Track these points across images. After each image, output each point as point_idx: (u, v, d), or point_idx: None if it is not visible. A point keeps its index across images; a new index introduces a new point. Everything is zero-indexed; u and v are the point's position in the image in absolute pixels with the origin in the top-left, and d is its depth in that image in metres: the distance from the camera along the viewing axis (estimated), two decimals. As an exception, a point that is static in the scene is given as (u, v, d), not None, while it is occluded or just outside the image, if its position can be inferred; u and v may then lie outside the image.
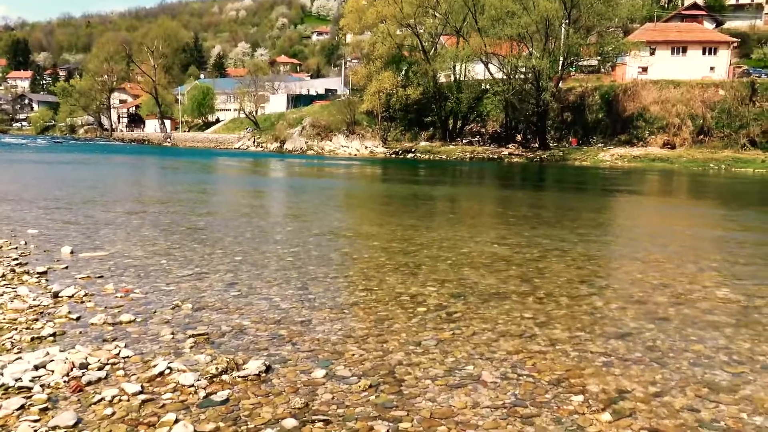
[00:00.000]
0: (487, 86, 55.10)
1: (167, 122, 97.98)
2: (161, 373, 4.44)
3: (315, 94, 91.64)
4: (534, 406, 4.09)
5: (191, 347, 5.01)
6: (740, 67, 57.45)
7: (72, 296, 6.35)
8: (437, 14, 60.04)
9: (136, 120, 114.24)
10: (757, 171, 39.88)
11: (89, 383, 4.28)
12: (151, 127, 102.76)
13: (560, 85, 53.43)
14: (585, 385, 4.43)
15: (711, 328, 5.79)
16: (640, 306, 6.54)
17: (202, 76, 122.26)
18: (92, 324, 5.50)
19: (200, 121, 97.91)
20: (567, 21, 49.89)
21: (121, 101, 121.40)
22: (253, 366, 4.56)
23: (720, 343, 5.39)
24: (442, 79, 60.35)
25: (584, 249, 9.97)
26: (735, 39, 59.10)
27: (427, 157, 53.67)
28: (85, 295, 6.42)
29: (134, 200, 16.48)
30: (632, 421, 3.90)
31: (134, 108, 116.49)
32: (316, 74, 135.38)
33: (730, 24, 72.03)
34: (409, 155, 55.52)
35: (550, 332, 5.58)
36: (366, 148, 59.72)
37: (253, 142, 70.51)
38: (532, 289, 7.12)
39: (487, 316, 6.02)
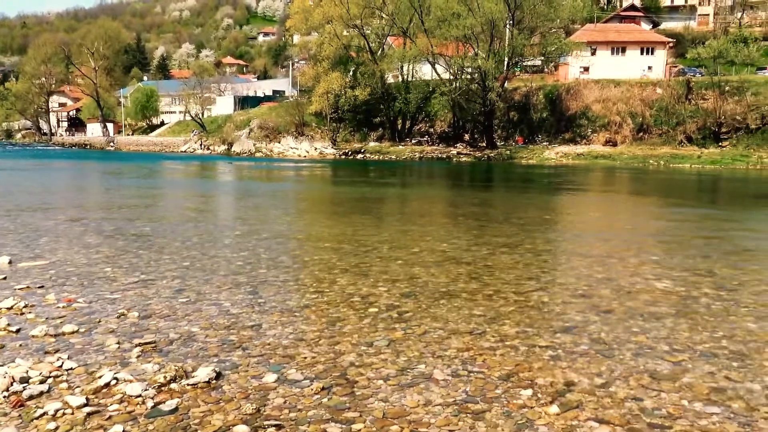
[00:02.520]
0: (435, 86, 55.65)
1: (110, 126, 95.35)
2: (107, 384, 4.32)
3: (262, 95, 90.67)
4: (484, 401, 4.15)
5: (138, 356, 4.90)
6: (676, 67, 59.67)
7: (11, 308, 6.12)
8: (384, 15, 60.29)
9: (76, 124, 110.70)
10: (694, 166, 41.50)
11: (31, 397, 4.13)
12: (93, 131, 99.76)
13: (506, 84, 54.36)
14: (533, 378, 4.53)
15: (653, 319, 6.00)
16: (585, 300, 6.73)
17: (145, 78, 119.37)
18: (33, 336, 5.31)
19: (144, 124, 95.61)
20: (511, 22, 50.83)
21: (61, 104, 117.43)
22: (203, 373, 4.48)
23: (661, 333, 5.58)
24: (390, 79, 60.64)
25: (531, 245, 10.19)
26: (671, 39, 61.39)
27: (376, 157, 53.81)
28: (25, 306, 6.19)
29: (76, 207, 15.97)
30: (579, 412, 4.01)
31: (75, 111, 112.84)
32: (263, 75, 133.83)
33: (665, 25, 74.66)
34: (359, 156, 55.56)
35: (500, 328, 5.68)
36: (315, 149, 59.45)
37: (200, 145, 69.37)
38: (482, 287, 7.23)
39: (438, 315, 6.08)
